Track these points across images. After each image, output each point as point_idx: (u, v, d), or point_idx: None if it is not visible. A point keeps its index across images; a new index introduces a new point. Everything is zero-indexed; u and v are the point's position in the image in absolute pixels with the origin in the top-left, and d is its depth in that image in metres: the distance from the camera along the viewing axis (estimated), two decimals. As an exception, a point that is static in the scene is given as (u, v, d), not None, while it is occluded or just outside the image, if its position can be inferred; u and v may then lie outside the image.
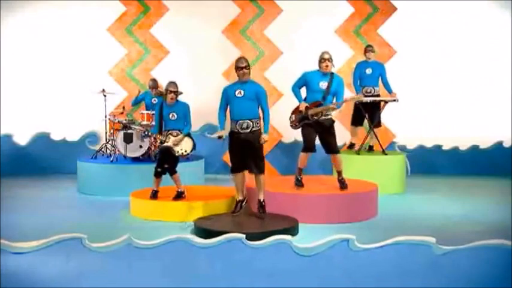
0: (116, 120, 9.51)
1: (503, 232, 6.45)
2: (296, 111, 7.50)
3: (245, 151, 6.66)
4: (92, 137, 11.11)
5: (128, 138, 9.21)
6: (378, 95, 9.60)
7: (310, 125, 7.36)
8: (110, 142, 9.63)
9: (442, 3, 11.11)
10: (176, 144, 7.28)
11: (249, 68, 6.63)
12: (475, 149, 11.21)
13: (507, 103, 11.19)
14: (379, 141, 9.59)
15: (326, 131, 7.37)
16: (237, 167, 6.76)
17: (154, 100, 9.64)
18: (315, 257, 4.57)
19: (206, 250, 4.57)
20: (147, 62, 10.98)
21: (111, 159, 9.33)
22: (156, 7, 10.92)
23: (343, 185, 7.48)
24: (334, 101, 7.34)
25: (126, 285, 4.45)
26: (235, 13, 10.85)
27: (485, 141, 11.19)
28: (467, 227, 6.91)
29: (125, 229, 6.45)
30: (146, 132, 8.80)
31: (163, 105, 7.36)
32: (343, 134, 9.73)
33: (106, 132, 9.87)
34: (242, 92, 6.61)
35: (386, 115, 9.88)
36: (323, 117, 7.33)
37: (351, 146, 9.77)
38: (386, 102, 9.50)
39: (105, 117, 9.79)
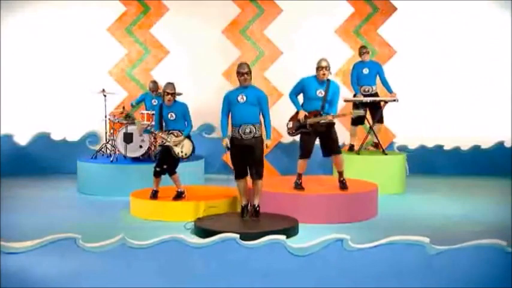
0: (116, 120, 9.51)
1: (503, 232, 6.45)
2: (294, 118, 7.48)
3: (247, 156, 6.67)
4: (92, 137, 11.11)
5: (128, 138, 9.21)
6: (376, 94, 9.61)
7: (308, 132, 7.36)
8: (110, 142, 9.63)
9: (442, 3, 11.10)
10: (176, 145, 7.28)
11: (250, 74, 6.64)
12: (476, 149, 11.20)
13: (508, 103, 11.19)
14: (379, 141, 9.59)
15: (326, 134, 7.37)
16: (240, 173, 6.76)
17: (155, 101, 9.64)
18: (309, 257, 4.56)
19: (200, 250, 4.56)
20: (147, 62, 10.98)
21: (111, 159, 9.33)
22: (156, 7, 10.92)
23: (343, 185, 7.48)
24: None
25: (120, 285, 4.44)
26: (235, 13, 10.84)
27: (486, 141, 11.18)
28: (467, 227, 6.90)
29: (124, 229, 6.44)
30: (149, 128, 8.78)
31: (163, 106, 7.37)
32: (343, 135, 9.71)
33: (106, 132, 9.87)
34: (244, 98, 6.62)
35: (387, 115, 9.88)
36: (321, 125, 7.31)
37: (351, 148, 9.76)
38: (386, 102, 9.50)
39: (105, 117, 9.79)
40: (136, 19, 10.90)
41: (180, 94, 7.48)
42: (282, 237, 4.62)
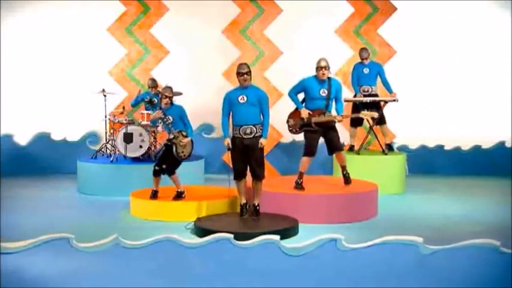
0: (116, 120, 9.51)
1: (503, 232, 6.46)
2: (295, 115, 7.49)
3: (247, 156, 6.67)
4: (92, 137, 11.10)
5: (127, 138, 9.21)
6: (376, 94, 9.61)
7: (313, 130, 7.39)
8: (110, 142, 9.63)
9: (442, 3, 11.10)
10: (183, 146, 7.33)
11: (250, 74, 6.64)
12: (477, 149, 11.19)
13: (508, 103, 11.19)
14: (379, 141, 9.59)
15: (330, 130, 7.43)
16: (240, 173, 6.76)
17: (154, 101, 9.63)
18: (303, 257, 4.56)
19: (194, 250, 4.56)
20: (147, 62, 10.98)
21: (111, 159, 9.33)
22: (156, 7, 10.92)
23: (347, 179, 7.55)
24: (334, 106, 7.41)
25: (114, 285, 4.44)
26: (235, 13, 10.84)
27: (487, 141, 11.17)
28: (467, 227, 6.91)
29: (124, 229, 6.47)
30: (158, 123, 8.76)
31: (162, 109, 7.44)
32: (342, 135, 9.70)
33: (106, 132, 9.86)
34: (245, 98, 6.63)
35: (387, 115, 9.87)
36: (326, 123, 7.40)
37: (351, 148, 9.76)
38: (386, 102, 9.50)
39: (105, 117, 9.79)
40: (136, 19, 10.90)
41: (180, 94, 7.49)
42: (276, 237, 4.62)
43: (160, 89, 9.12)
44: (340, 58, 10.84)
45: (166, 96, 7.30)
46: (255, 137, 6.64)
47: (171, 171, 7.45)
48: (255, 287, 4.52)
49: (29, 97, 11.07)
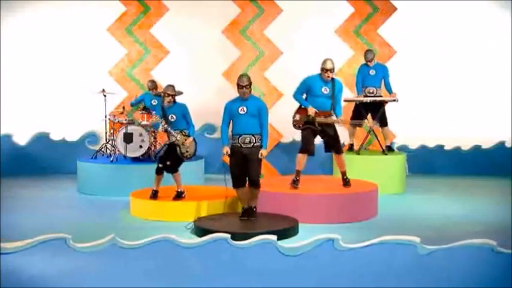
0: (116, 120, 9.51)
1: (503, 232, 6.46)
2: (302, 112, 7.51)
3: (246, 165, 6.68)
4: (91, 137, 11.10)
5: (127, 138, 9.21)
6: (381, 96, 9.58)
7: (311, 128, 7.42)
8: (110, 142, 9.63)
9: (442, 3, 11.10)
10: (187, 146, 7.36)
11: (250, 86, 6.66)
12: (477, 149, 11.19)
13: (508, 103, 11.18)
14: (379, 141, 9.59)
15: (330, 132, 7.46)
16: (239, 182, 6.77)
17: (154, 101, 9.64)
18: (300, 257, 4.56)
19: (191, 250, 4.56)
20: (147, 62, 10.98)
21: (111, 159, 9.33)
22: (156, 7, 10.92)
23: (346, 183, 7.55)
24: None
25: (110, 285, 4.44)
26: (235, 13, 10.84)
27: (487, 141, 11.17)
28: (467, 227, 6.90)
29: (124, 229, 6.48)
30: (155, 128, 8.83)
31: (164, 107, 7.44)
32: (342, 135, 9.69)
33: (106, 132, 9.86)
34: (245, 109, 6.65)
35: (387, 115, 9.87)
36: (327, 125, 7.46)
37: (351, 147, 9.76)
38: (386, 102, 9.49)
39: (105, 117, 9.79)
40: (136, 19, 10.90)
41: (181, 93, 7.50)
42: (273, 237, 4.62)
43: (160, 90, 9.13)
44: (340, 58, 10.82)
45: (168, 95, 7.32)
46: (254, 146, 6.65)
47: (174, 169, 7.45)
48: (253, 287, 4.52)
49: (29, 97, 11.06)
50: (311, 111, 7.37)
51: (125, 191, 8.06)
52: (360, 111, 9.50)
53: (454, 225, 7.07)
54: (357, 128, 9.84)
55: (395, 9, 10.89)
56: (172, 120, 7.39)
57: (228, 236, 4.60)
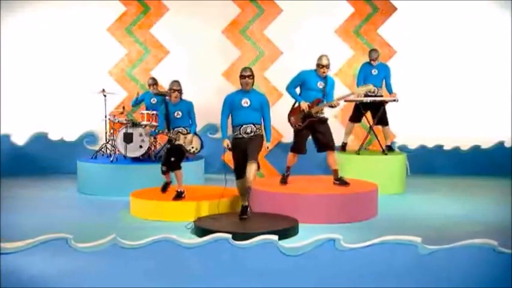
0: (116, 120, 9.52)
1: (503, 232, 6.46)
2: (294, 112, 7.52)
3: (245, 155, 6.67)
4: (89, 137, 11.11)
5: (127, 138, 9.21)
6: (381, 96, 9.59)
7: (303, 129, 7.50)
8: (110, 142, 9.63)
9: (442, 3, 11.11)
10: (190, 142, 7.42)
11: (253, 77, 6.67)
12: (476, 149, 11.20)
13: (508, 103, 11.19)
14: (379, 141, 9.58)
15: (322, 129, 7.49)
16: (241, 173, 6.75)
17: (154, 100, 9.65)
18: (301, 257, 4.56)
19: (192, 250, 4.55)
20: (147, 62, 10.98)
21: (111, 159, 9.33)
22: (156, 7, 10.92)
23: (343, 182, 7.56)
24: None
25: (111, 285, 4.43)
26: (235, 13, 10.84)
27: (486, 141, 11.18)
28: (467, 227, 6.90)
29: (124, 229, 6.48)
30: (154, 130, 8.86)
31: (168, 104, 7.44)
32: (340, 134, 9.69)
33: (106, 132, 9.86)
34: (248, 102, 6.66)
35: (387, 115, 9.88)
36: (322, 115, 7.51)
37: (343, 147, 9.74)
38: (386, 102, 9.50)
39: (105, 117, 9.79)
40: (136, 19, 10.90)
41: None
42: (274, 237, 4.61)
43: (160, 89, 9.14)
44: (340, 58, 10.84)
45: (175, 90, 7.36)
46: (255, 135, 6.67)
47: (178, 165, 7.48)
48: (253, 287, 4.52)
49: (28, 97, 11.08)
50: (304, 105, 7.40)
51: (125, 191, 8.06)
52: (360, 111, 9.51)
53: (454, 225, 7.07)
54: (354, 126, 9.85)
55: (395, 9, 10.90)
56: (178, 117, 7.42)
57: (229, 236, 4.60)
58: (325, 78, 7.49)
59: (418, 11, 11.15)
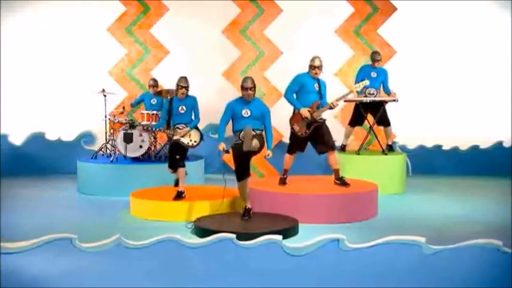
0: (116, 120, 9.52)
1: (503, 232, 6.46)
2: (296, 119, 7.52)
3: (248, 158, 6.69)
4: (87, 137, 11.10)
5: (128, 138, 9.21)
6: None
7: (300, 135, 7.54)
8: (110, 142, 9.64)
9: (442, 3, 11.11)
10: (183, 136, 7.45)
11: (254, 89, 6.68)
12: (475, 149, 11.20)
13: (507, 103, 11.19)
14: (379, 142, 9.58)
15: (321, 130, 7.50)
16: (242, 175, 6.75)
17: (154, 101, 9.66)
18: (305, 257, 4.56)
19: (196, 250, 4.55)
20: (147, 62, 10.98)
21: (111, 159, 9.33)
22: (156, 7, 10.92)
23: (343, 182, 7.56)
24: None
25: (116, 285, 4.43)
26: (235, 13, 10.85)
27: (485, 141, 11.18)
28: (468, 227, 6.90)
29: (124, 229, 6.47)
30: (151, 129, 8.92)
31: (173, 100, 7.52)
32: (338, 136, 9.68)
33: (106, 132, 9.86)
34: (249, 112, 6.66)
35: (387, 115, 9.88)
36: (322, 117, 7.55)
37: (343, 148, 9.75)
38: (386, 102, 9.50)
39: (105, 117, 9.79)
40: (136, 19, 10.90)
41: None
42: (279, 237, 4.62)
43: (160, 89, 9.13)
44: (340, 58, 10.85)
45: (182, 87, 7.45)
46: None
47: (182, 163, 7.54)
48: (258, 287, 4.52)
49: (27, 97, 11.07)
50: (305, 113, 7.40)
51: (125, 191, 8.06)
52: (360, 111, 9.51)
53: (454, 225, 7.07)
54: (354, 129, 9.86)
55: (395, 9, 10.90)
56: (182, 112, 7.50)
57: (233, 236, 4.61)
58: (317, 80, 7.53)
59: (418, 11, 11.15)
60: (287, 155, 7.73)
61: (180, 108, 7.49)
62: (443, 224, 7.09)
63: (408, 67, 10.95)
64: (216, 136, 10.78)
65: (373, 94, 9.44)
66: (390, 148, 9.73)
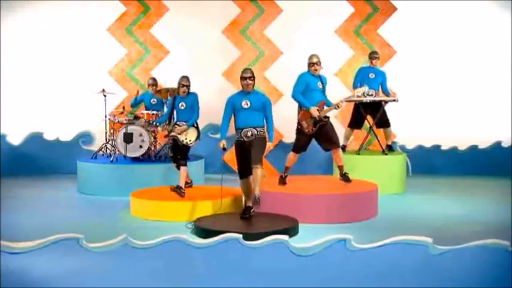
0: (116, 120, 9.52)
1: (503, 232, 6.46)
2: (305, 117, 7.56)
3: (249, 155, 6.67)
4: (85, 136, 11.10)
5: (128, 138, 9.21)
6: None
7: (306, 133, 7.58)
8: (110, 142, 9.63)
9: (442, 3, 11.11)
10: (180, 133, 7.58)
11: (253, 79, 6.70)
12: (474, 149, 11.20)
13: (506, 103, 11.20)
14: (379, 142, 9.58)
15: (327, 127, 7.55)
16: (244, 173, 6.76)
17: (154, 101, 9.65)
18: (312, 257, 4.56)
19: (203, 250, 4.56)
20: (147, 62, 10.98)
21: (111, 159, 9.33)
22: (156, 7, 10.92)
23: (346, 178, 7.59)
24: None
25: (123, 285, 4.44)
26: (235, 13, 10.85)
27: (484, 141, 11.18)
28: (467, 227, 6.90)
29: (124, 229, 6.45)
30: (154, 123, 8.95)
31: (177, 97, 7.72)
32: (341, 135, 9.70)
33: (106, 132, 9.86)
34: (248, 103, 6.66)
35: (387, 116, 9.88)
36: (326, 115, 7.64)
37: (343, 149, 9.75)
38: (386, 102, 9.50)
39: (105, 117, 9.79)
40: (136, 19, 10.90)
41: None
42: (285, 237, 4.62)
43: (160, 88, 9.14)
44: (340, 58, 10.84)
45: (183, 85, 7.63)
46: (256, 137, 6.66)
47: (183, 162, 7.64)
48: (264, 287, 4.52)
49: (26, 97, 11.07)
50: (314, 112, 7.43)
51: (125, 191, 8.06)
52: (360, 112, 9.51)
53: (454, 225, 7.07)
54: (354, 131, 9.88)
55: (395, 9, 10.90)
56: (182, 108, 7.68)
57: (240, 236, 4.61)
58: (319, 77, 7.60)
59: (418, 11, 11.15)
60: (292, 153, 7.73)
61: (180, 104, 7.70)
62: (444, 224, 7.09)
63: (408, 67, 10.95)
64: (216, 136, 10.90)
65: (372, 95, 9.46)
66: (390, 148, 9.73)
